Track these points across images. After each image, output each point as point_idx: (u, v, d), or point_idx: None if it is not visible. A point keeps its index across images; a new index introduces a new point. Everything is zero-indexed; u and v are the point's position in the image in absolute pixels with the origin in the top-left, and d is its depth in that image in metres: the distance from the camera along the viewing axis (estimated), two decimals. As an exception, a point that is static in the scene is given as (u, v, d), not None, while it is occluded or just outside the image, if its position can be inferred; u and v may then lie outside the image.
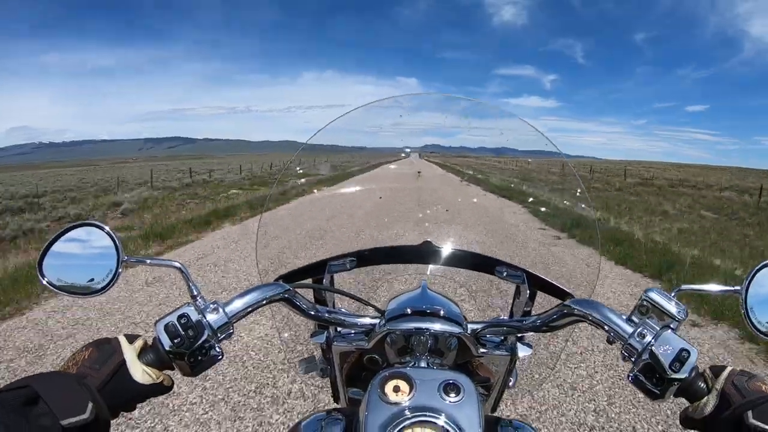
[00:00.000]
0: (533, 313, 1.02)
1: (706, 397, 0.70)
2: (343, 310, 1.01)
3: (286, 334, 1.13)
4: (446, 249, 1.10)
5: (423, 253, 1.10)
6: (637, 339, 0.72)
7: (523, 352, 0.95)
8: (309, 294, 1.01)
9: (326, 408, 0.90)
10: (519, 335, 0.95)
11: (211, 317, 0.75)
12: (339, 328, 0.96)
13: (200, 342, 0.73)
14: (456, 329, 0.86)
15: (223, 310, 0.76)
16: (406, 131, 1.25)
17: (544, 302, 1.03)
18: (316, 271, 1.05)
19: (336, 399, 1.03)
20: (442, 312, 0.89)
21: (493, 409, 1.02)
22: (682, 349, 0.70)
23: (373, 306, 0.93)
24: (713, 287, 0.79)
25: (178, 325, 0.72)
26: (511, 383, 1.01)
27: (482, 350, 0.91)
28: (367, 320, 0.91)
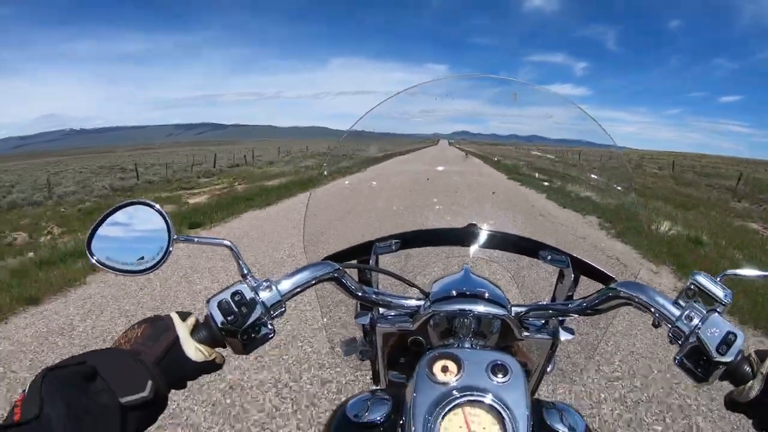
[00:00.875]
0: (574, 298, 1.01)
1: (751, 382, 0.69)
2: (387, 291, 1.01)
3: (325, 319, 1.14)
4: (490, 232, 1.10)
5: (467, 236, 1.10)
6: (685, 322, 0.72)
7: (564, 336, 0.95)
8: (354, 275, 1.01)
9: (371, 388, 0.90)
10: (561, 320, 0.95)
11: (264, 295, 0.75)
12: (382, 310, 0.96)
13: (253, 320, 0.74)
14: (500, 311, 0.86)
15: (276, 288, 0.77)
16: (453, 115, 1.25)
17: (586, 288, 1.02)
18: (362, 252, 1.06)
19: (376, 381, 1.04)
20: (486, 294, 0.88)
21: (533, 393, 1.02)
22: (729, 332, 0.69)
23: (418, 288, 0.93)
24: (760, 272, 0.78)
25: (231, 303, 0.73)
26: (549, 369, 1.01)
27: (525, 333, 0.91)
28: (412, 302, 0.91)
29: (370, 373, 1.08)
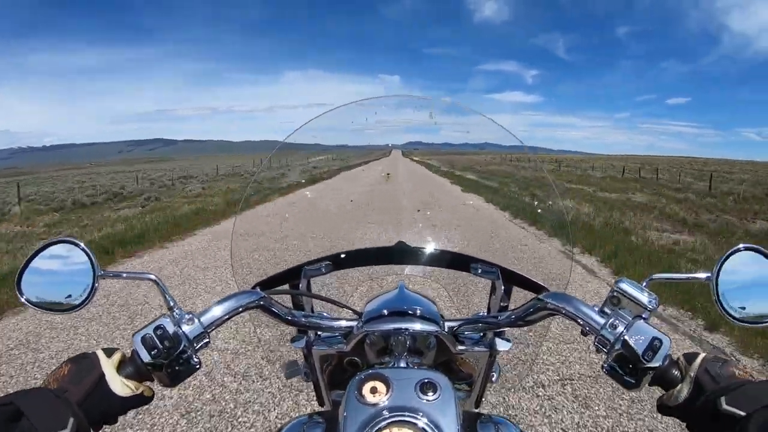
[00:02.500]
0: (510, 308, 1.02)
1: (680, 385, 0.71)
2: (324, 314, 1.01)
3: (264, 345, 1.14)
4: (421, 248, 1.10)
5: (397, 254, 1.11)
6: (609, 330, 0.73)
7: (502, 347, 0.95)
8: (288, 299, 1.02)
9: (311, 412, 0.91)
10: (497, 330, 0.95)
11: (187, 328, 0.76)
12: (318, 332, 0.96)
13: (177, 353, 0.74)
14: (433, 328, 0.87)
15: (199, 321, 0.77)
16: (386, 130, 1.26)
17: (523, 297, 1.03)
18: (293, 276, 1.05)
19: (321, 402, 1.03)
20: (418, 311, 0.89)
21: (477, 404, 1.03)
22: (655, 338, 0.71)
23: (350, 308, 0.94)
24: (684, 275, 0.80)
25: (155, 337, 0.73)
26: (494, 378, 1.01)
27: (460, 347, 0.92)
28: (344, 323, 0.92)
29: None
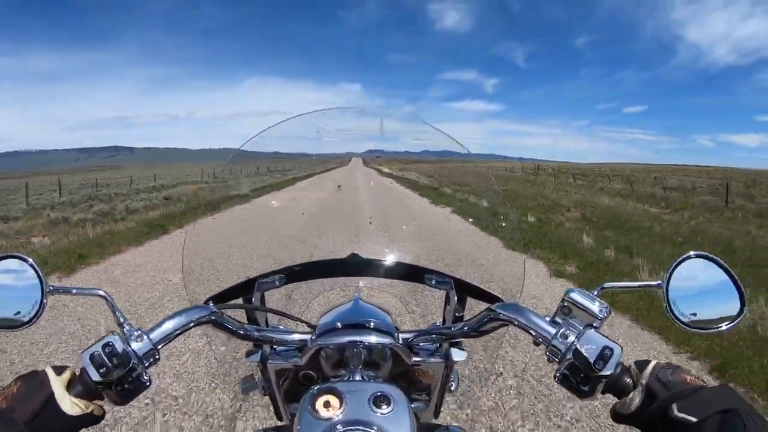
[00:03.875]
0: (465, 318, 1.02)
1: (632, 393, 0.72)
2: (280, 327, 1.01)
3: (222, 348, 1.12)
4: (374, 260, 1.10)
5: (350, 266, 1.10)
6: (561, 340, 0.74)
7: (458, 357, 0.95)
8: (241, 313, 1.00)
9: (266, 427, 0.90)
10: (453, 341, 0.95)
11: (136, 345, 0.75)
12: (274, 346, 0.95)
13: (126, 370, 0.73)
14: (387, 340, 0.87)
15: (148, 337, 0.76)
16: (343, 139, 1.27)
17: (477, 307, 1.01)
18: (246, 289, 1.04)
19: (279, 416, 1.02)
20: (373, 323, 0.89)
21: (436, 414, 1.03)
22: (605, 347, 0.72)
23: (304, 321, 0.94)
24: (635, 283, 0.82)
25: (103, 355, 0.72)
26: (453, 387, 1.01)
27: (416, 359, 0.92)
28: (297, 336, 0.91)
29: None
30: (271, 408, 1.01)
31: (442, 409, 1.05)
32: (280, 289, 1.08)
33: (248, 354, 0.99)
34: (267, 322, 1.05)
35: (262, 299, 1.06)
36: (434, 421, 1.03)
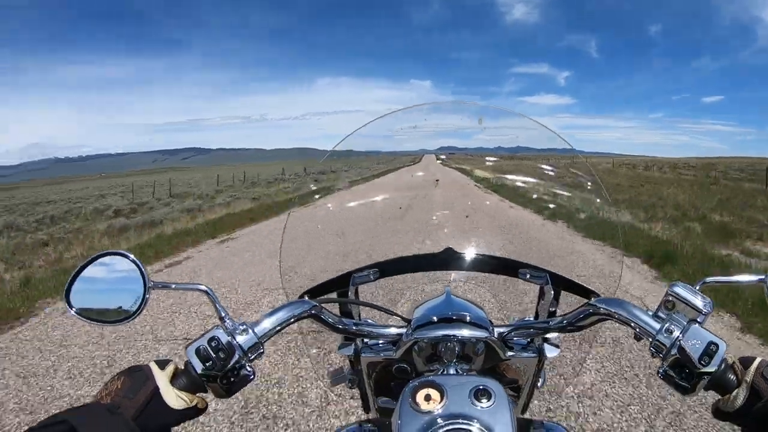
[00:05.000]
0: (558, 313, 1.01)
1: (736, 390, 0.69)
2: (369, 321, 1.01)
3: (314, 351, 1.14)
4: (468, 254, 1.10)
5: (445, 260, 1.10)
6: (665, 335, 0.73)
7: (550, 352, 0.95)
8: (335, 307, 1.01)
9: (358, 420, 0.90)
10: (546, 336, 0.95)
11: (241, 338, 0.76)
12: (366, 339, 0.96)
13: (232, 364, 0.74)
14: (483, 334, 0.86)
15: (253, 331, 0.77)
16: (425, 136, 1.27)
17: (569, 302, 1.02)
18: (341, 283, 1.06)
19: (366, 409, 1.03)
20: (467, 317, 0.89)
21: (523, 411, 1.02)
22: (711, 343, 0.70)
23: (399, 315, 0.93)
24: (738, 278, 0.79)
25: (209, 349, 0.74)
26: (539, 384, 1.00)
27: (510, 353, 0.91)
28: (393, 330, 0.92)
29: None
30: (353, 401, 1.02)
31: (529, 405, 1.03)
32: (371, 283, 1.09)
33: (340, 347, 1.00)
34: (359, 315, 1.06)
35: (356, 293, 1.08)
36: (525, 416, 1.01)
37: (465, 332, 0.86)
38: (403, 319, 0.92)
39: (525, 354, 0.93)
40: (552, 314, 1.02)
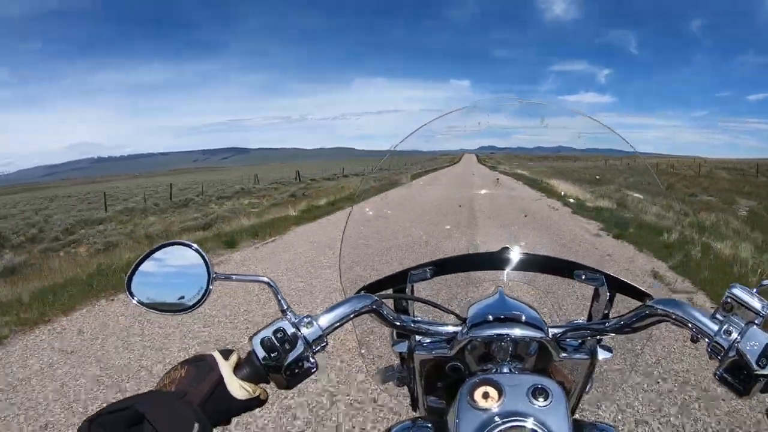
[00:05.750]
0: (611, 316, 1.01)
1: None
2: (424, 318, 1.01)
3: (363, 350, 1.15)
4: (524, 254, 1.10)
5: (501, 259, 1.10)
6: (723, 336, 0.72)
7: (603, 355, 0.95)
8: (390, 304, 1.01)
9: (411, 417, 0.90)
10: (598, 339, 0.94)
11: (306, 330, 0.77)
12: (419, 337, 0.96)
13: (296, 355, 0.76)
14: (537, 334, 0.86)
15: (317, 324, 0.79)
16: (482, 134, 1.28)
17: (623, 306, 1.01)
18: (398, 280, 1.07)
19: (414, 407, 1.04)
20: (522, 317, 0.88)
21: (572, 413, 0.99)
22: None
23: (455, 314, 0.93)
24: None
25: (274, 339, 0.75)
26: (588, 388, 1.00)
27: (563, 354, 0.91)
28: (449, 328, 0.92)
29: (408, 399, 1.08)
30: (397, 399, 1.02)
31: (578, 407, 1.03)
32: (427, 281, 1.10)
33: (394, 344, 1.01)
34: (413, 313, 1.06)
35: (412, 291, 1.08)
36: (579, 417, 0.99)
37: (519, 332, 0.86)
38: (459, 317, 0.92)
39: (577, 356, 0.93)
40: (605, 317, 1.01)
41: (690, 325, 0.76)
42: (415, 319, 0.99)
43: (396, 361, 1.07)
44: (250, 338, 0.76)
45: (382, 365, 1.11)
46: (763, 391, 0.71)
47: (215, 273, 0.78)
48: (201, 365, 0.72)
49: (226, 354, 0.75)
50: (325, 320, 0.80)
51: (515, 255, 1.10)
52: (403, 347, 0.99)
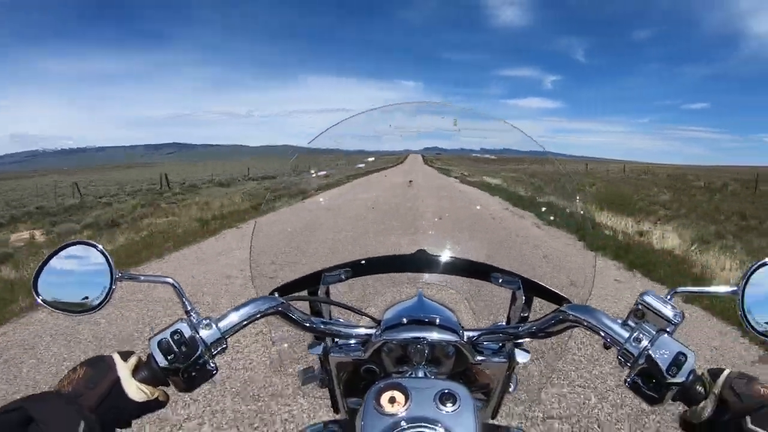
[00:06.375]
0: (530, 318, 1.01)
1: (704, 402, 0.69)
2: (340, 320, 1.01)
3: (285, 345, 1.13)
4: (441, 257, 1.09)
5: (417, 262, 1.10)
6: (633, 344, 0.72)
7: (521, 358, 0.94)
8: (305, 305, 1.01)
9: (324, 419, 0.90)
10: (517, 341, 0.94)
11: (205, 333, 0.76)
12: (336, 339, 0.96)
13: (194, 358, 0.74)
14: (452, 337, 0.86)
15: (216, 326, 0.77)
16: (404, 136, 1.27)
17: (542, 307, 1.02)
18: (311, 282, 1.05)
19: (336, 409, 1.03)
20: (438, 320, 0.88)
21: (494, 415, 1.02)
22: (679, 353, 0.70)
23: (369, 316, 0.93)
24: (709, 288, 0.79)
25: (171, 342, 0.73)
26: (511, 389, 1.00)
27: (479, 357, 0.91)
28: (363, 330, 0.91)
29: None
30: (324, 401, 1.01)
31: (499, 410, 1.03)
32: (343, 283, 1.08)
33: (310, 346, 1.00)
34: (330, 315, 1.05)
35: (327, 292, 1.07)
36: (493, 422, 1.01)
37: (434, 335, 0.86)
38: (373, 319, 0.92)
39: (495, 359, 0.93)
40: (524, 320, 1.02)
41: (601, 332, 0.76)
42: (328, 321, 0.98)
43: (316, 362, 1.06)
44: (149, 340, 0.74)
45: (303, 365, 1.09)
46: (675, 399, 0.72)
47: (119, 273, 0.77)
48: (99, 366, 0.70)
49: (125, 356, 0.74)
50: (225, 322, 0.78)
51: (431, 257, 1.09)
52: (318, 350, 0.97)
